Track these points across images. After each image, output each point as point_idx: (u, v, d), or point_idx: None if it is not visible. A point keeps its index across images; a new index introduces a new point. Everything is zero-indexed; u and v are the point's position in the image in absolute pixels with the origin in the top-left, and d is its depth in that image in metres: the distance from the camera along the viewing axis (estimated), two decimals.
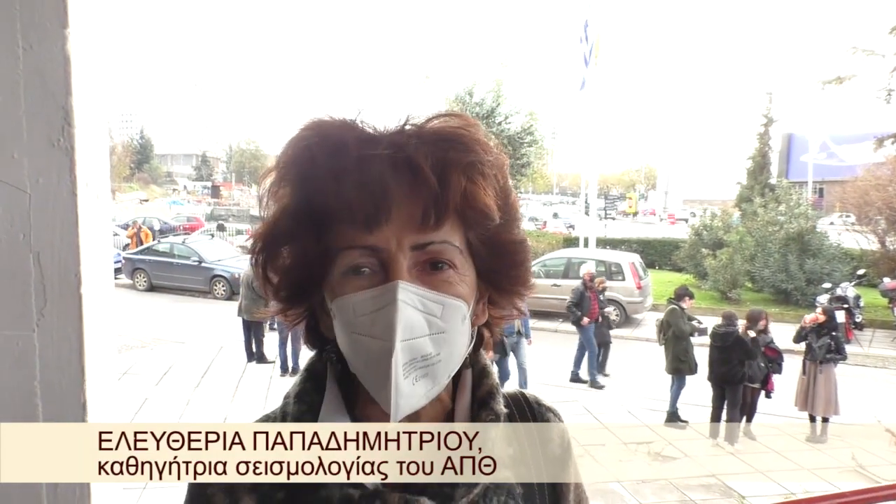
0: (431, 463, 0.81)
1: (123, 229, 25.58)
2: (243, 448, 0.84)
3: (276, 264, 0.84)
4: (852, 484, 7.47)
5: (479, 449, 0.83)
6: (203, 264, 19.39)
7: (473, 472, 0.81)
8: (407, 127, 0.82)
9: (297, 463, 0.81)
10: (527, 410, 0.97)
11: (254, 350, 11.80)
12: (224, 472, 0.83)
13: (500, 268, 0.87)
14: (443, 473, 0.81)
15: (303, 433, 0.82)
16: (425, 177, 0.77)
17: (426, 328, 0.77)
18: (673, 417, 9.45)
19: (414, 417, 0.81)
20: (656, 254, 26.56)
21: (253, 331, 11.67)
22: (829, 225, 24.53)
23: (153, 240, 22.59)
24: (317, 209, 0.79)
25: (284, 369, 10.97)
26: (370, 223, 0.76)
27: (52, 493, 1.26)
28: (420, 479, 0.80)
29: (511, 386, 7.46)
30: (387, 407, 0.75)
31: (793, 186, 25.20)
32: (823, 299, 15.44)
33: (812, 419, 9.26)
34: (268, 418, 0.92)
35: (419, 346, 0.76)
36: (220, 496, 0.83)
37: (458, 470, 0.81)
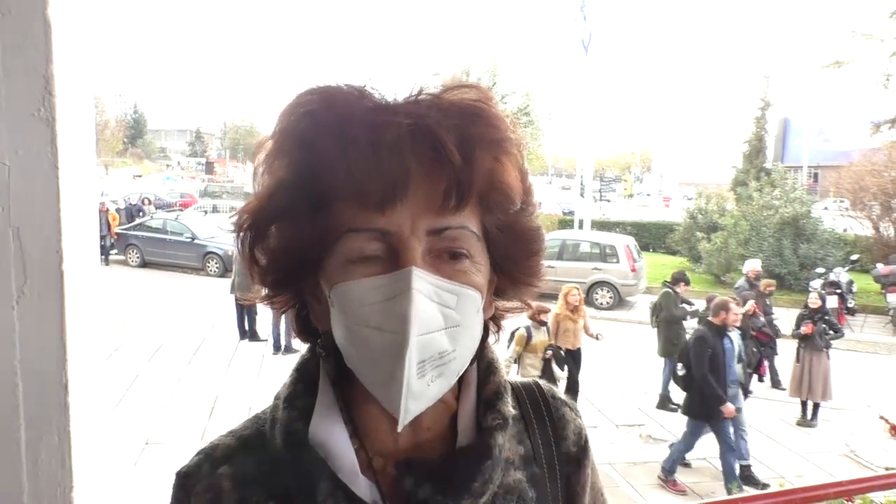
0: (432, 473, 0.75)
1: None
2: (231, 459, 0.79)
3: (266, 244, 0.75)
4: (843, 468, 7.52)
5: (486, 457, 0.77)
6: (196, 241, 19.30)
7: (481, 483, 0.75)
8: (422, 97, 0.73)
9: (288, 477, 0.75)
10: (541, 405, 0.90)
11: (246, 328, 11.78)
12: (210, 480, 0.77)
13: (516, 257, 0.80)
14: (445, 484, 0.74)
15: (295, 443, 0.75)
16: (449, 153, 0.68)
17: (441, 321, 0.69)
18: (664, 401, 9.48)
19: (416, 420, 0.73)
20: (651, 236, 26.58)
21: (245, 309, 11.63)
22: (823, 210, 24.56)
23: (121, 221, 21.62)
24: (319, 184, 0.70)
25: (277, 348, 10.96)
26: (384, 204, 0.67)
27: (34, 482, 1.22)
28: (422, 491, 0.74)
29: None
30: (394, 409, 0.68)
31: (788, 171, 25.21)
32: (817, 284, 15.48)
33: (803, 404, 9.32)
34: (258, 419, 0.84)
35: (435, 341, 0.68)
36: None
37: (464, 480, 0.75)
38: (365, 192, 0.68)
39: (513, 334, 7.74)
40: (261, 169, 0.75)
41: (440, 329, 0.69)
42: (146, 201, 21.29)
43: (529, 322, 7.75)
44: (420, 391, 0.68)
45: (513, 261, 0.80)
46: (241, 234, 0.77)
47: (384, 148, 0.67)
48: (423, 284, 0.68)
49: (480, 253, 0.74)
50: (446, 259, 0.71)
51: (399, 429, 0.69)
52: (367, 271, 0.69)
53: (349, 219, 0.69)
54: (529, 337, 7.70)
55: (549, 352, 7.78)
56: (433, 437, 0.79)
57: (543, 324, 7.96)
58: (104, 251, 19.58)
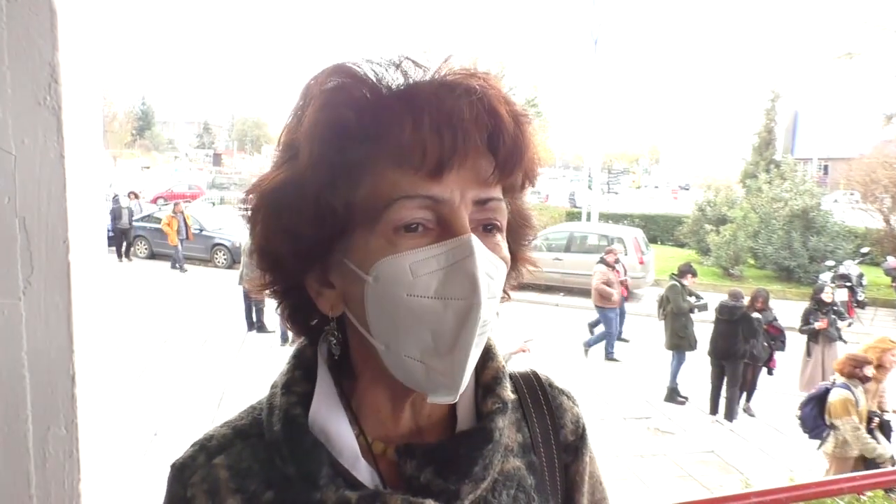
0: (434, 457, 0.74)
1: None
2: (227, 450, 0.78)
3: (289, 222, 0.71)
4: None
5: (487, 441, 0.76)
6: (204, 232, 19.32)
7: (482, 467, 0.75)
8: (471, 73, 0.72)
9: (287, 461, 0.74)
10: (539, 393, 0.90)
11: (254, 319, 11.80)
12: (206, 470, 0.76)
13: (523, 237, 0.81)
14: (447, 468, 0.74)
15: (294, 429, 0.74)
16: (506, 126, 0.69)
17: (488, 290, 0.69)
18: (672, 393, 9.47)
19: (417, 405, 0.75)
20: (659, 229, 26.47)
21: (253, 300, 11.65)
22: (833, 203, 24.41)
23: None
24: (368, 152, 0.68)
25: (284, 339, 10.97)
26: (441, 169, 0.67)
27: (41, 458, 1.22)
28: (423, 476, 0.74)
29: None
30: (454, 376, 0.68)
31: (798, 163, 25.07)
32: (826, 277, 15.40)
33: None
34: (253, 409, 0.83)
35: (488, 308, 0.69)
36: (202, 497, 0.75)
37: (466, 464, 0.74)
38: (424, 156, 0.67)
39: (815, 400, 6.21)
40: (293, 132, 0.72)
41: (489, 297, 0.69)
42: (132, 195, 20.80)
43: (843, 380, 6.16)
44: (473, 358, 0.69)
45: (520, 240, 0.81)
46: (261, 211, 0.74)
47: (449, 115, 0.67)
48: (480, 251, 0.68)
49: (505, 229, 0.76)
50: (484, 232, 0.72)
51: (455, 399, 0.70)
52: (416, 242, 0.68)
53: (400, 187, 0.68)
54: (857, 400, 6.00)
55: (876, 419, 6.13)
56: (433, 422, 0.80)
57: (865, 380, 6.16)
58: (178, 257, 18.16)
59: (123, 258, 19.20)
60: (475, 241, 0.67)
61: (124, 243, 19.38)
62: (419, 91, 0.69)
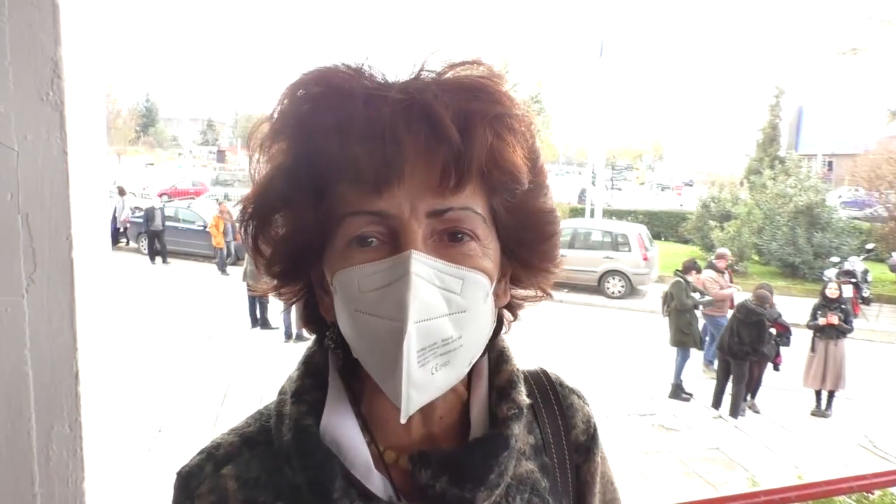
0: (449, 465, 0.72)
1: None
2: (234, 459, 0.76)
3: (269, 233, 0.73)
4: (860, 459, 7.48)
5: (503, 448, 0.74)
6: (208, 229, 19.30)
7: (497, 474, 0.73)
8: (423, 74, 0.70)
9: (298, 471, 0.72)
10: (549, 393, 0.88)
11: (258, 316, 11.81)
12: (213, 481, 0.74)
13: (528, 241, 0.76)
14: (462, 476, 0.72)
15: (306, 439, 0.72)
16: (445, 129, 0.65)
17: (445, 307, 0.66)
18: (677, 390, 9.45)
19: (427, 410, 0.72)
20: (663, 225, 26.47)
21: (257, 297, 11.65)
22: (837, 199, 24.35)
23: None
24: (317, 168, 0.68)
25: (288, 336, 10.99)
26: (379, 184, 0.65)
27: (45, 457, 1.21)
28: (439, 485, 0.71)
29: None
30: (396, 399, 0.65)
31: (802, 159, 25.01)
32: (831, 273, 15.37)
33: (817, 393, 9.29)
34: (261, 416, 0.80)
35: (438, 328, 0.65)
36: None
37: (481, 472, 0.72)
38: (361, 173, 0.65)
39: None
40: (257, 154, 0.73)
41: (443, 315, 0.66)
42: (120, 191, 20.53)
43: None
44: (423, 381, 0.65)
45: (524, 245, 0.76)
46: (244, 223, 0.74)
47: (378, 126, 0.65)
48: (423, 268, 0.65)
49: (488, 236, 0.71)
50: (451, 242, 0.68)
51: (402, 420, 0.66)
52: (368, 257, 0.67)
53: (348, 203, 0.67)
54: None
55: None
56: (445, 427, 0.77)
57: None
58: (224, 261, 17.65)
59: (156, 259, 18.89)
60: (415, 258, 0.64)
61: (157, 244, 19.03)
62: (350, 102, 0.67)
